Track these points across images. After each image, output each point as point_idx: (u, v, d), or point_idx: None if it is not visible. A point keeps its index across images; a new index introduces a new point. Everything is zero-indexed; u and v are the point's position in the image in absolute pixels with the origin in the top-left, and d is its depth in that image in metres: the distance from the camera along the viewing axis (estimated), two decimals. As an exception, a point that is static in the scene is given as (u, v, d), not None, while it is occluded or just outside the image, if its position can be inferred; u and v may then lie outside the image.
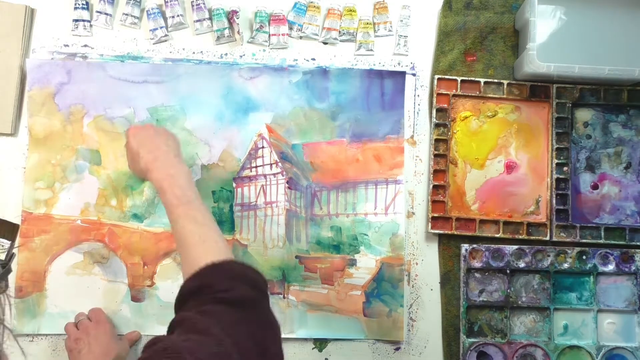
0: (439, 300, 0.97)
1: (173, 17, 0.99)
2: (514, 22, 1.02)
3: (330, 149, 0.99)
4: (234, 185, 0.97)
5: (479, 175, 0.99)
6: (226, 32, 0.99)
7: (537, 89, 1.00)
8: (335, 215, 0.98)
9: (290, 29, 1.01)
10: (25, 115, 0.96)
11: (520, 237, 0.97)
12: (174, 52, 1.00)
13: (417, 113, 1.01)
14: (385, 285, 0.96)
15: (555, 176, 0.98)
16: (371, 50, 1.01)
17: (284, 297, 0.96)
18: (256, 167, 0.98)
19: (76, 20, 0.98)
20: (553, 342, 0.95)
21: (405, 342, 0.97)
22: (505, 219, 0.97)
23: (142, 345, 0.94)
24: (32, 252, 0.94)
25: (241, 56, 1.00)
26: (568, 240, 0.97)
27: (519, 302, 0.96)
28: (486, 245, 0.97)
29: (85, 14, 0.98)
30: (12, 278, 0.93)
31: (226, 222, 0.97)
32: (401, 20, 1.02)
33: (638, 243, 0.97)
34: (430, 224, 0.97)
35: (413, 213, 0.99)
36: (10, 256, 0.94)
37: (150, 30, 0.99)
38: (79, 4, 0.98)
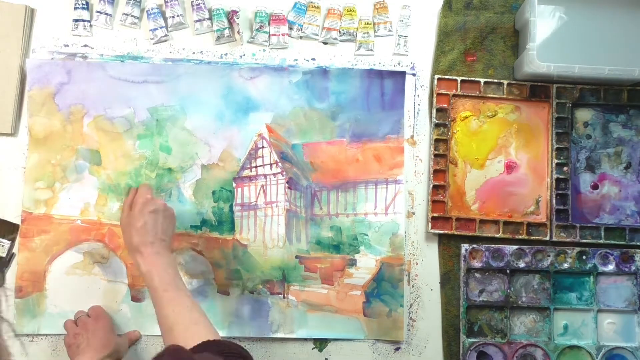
0: (439, 300, 0.97)
1: (173, 17, 0.99)
2: (514, 22, 1.02)
3: (330, 149, 0.99)
4: (234, 185, 0.97)
5: (479, 175, 0.99)
6: (226, 32, 0.99)
7: (537, 89, 1.00)
8: (335, 215, 0.98)
9: (290, 29, 1.01)
10: (25, 115, 0.96)
11: (520, 237, 0.97)
12: (174, 52, 1.00)
13: (417, 113, 1.01)
14: (385, 285, 0.96)
15: (555, 176, 0.98)
16: (371, 50, 1.01)
17: (284, 297, 0.96)
18: (256, 167, 0.98)
19: (76, 20, 0.98)
20: (553, 342, 0.95)
21: (405, 342, 0.97)
22: (505, 219, 0.97)
23: (142, 345, 0.94)
24: (32, 252, 0.94)
25: (241, 56, 1.00)
26: (568, 240, 0.97)
27: (519, 302, 0.96)
28: (486, 245, 0.97)
29: (85, 14, 0.98)
30: (12, 278, 0.93)
31: (226, 222, 0.97)
32: (401, 20, 1.02)
33: (638, 243, 0.98)
34: (430, 224, 0.97)
35: (413, 213, 0.99)
36: (10, 256, 0.94)
37: (150, 30, 0.99)
38: (79, 4, 0.98)
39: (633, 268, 0.97)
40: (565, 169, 0.98)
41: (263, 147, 0.98)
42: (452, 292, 0.97)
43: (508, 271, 0.96)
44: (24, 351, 0.93)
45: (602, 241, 0.97)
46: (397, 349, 0.96)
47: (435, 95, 0.99)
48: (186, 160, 0.97)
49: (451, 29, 1.01)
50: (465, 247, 0.96)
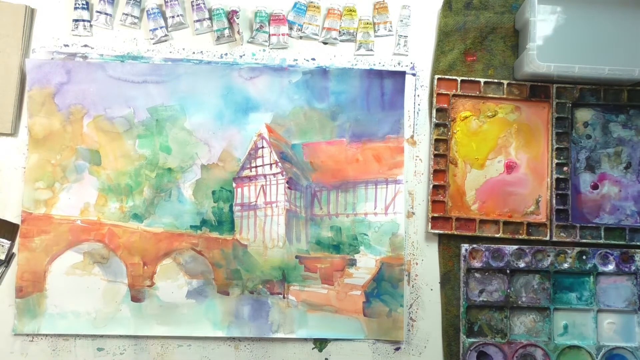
0: (439, 300, 0.98)
1: (173, 17, 0.99)
2: (514, 22, 1.02)
3: (330, 149, 0.99)
4: (234, 185, 0.97)
5: (479, 175, 0.99)
6: (226, 32, 0.99)
7: (537, 89, 1.00)
8: (335, 215, 0.98)
9: (290, 29, 1.01)
10: (25, 115, 0.96)
11: (520, 237, 0.97)
12: (174, 52, 1.00)
13: (417, 113, 1.01)
14: (385, 285, 0.96)
15: (555, 176, 0.98)
16: (371, 50, 1.01)
17: (284, 297, 0.96)
18: (256, 167, 0.98)
19: (76, 20, 0.98)
20: (553, 342, 0.95)
21: (405, 342, 0.97)
22: (505, 219, 0.97)
23: (142, 345, 0.94)
24: (32, 252, 0.94)
25: (241, 56, 1.00)
26: (568, 240, 0.97)
27: (519, 302, 0.96)
28: (486, 245, 0.97)
29: (85, 14, 0.98)
30: (12, 278, 0.94)
31: (226, 222, 0.97)
32: (401, 20, 1.02)
33: (638, 243, 0.98)
34: (430, 224, 0.97)
35: (413, 213, 0.99)
36: (10, 256, 0.94)
37: (150, 30, 0.99)
38: (79, 4, 0.98)
39: (633, 268, 0.97)
40: (565, 169, 0.98)
41: (263, 147, 0.98)
42: (452, 292, 0.97)
43: (508, 271, 0.96)
44: (24, 351, 0.93)
45: (602, 241, 0.97)
46: (397, 349, 0.96)
47: (435, 95, 0.99)
48: (186, 160, 0.97)
49: (451, 29, 1.01)
50: (465, 247, 0.96)
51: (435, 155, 0.98)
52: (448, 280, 0.97)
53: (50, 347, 0.93)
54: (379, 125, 0.99)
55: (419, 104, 1.01)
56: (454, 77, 0.99)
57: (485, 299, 0.96)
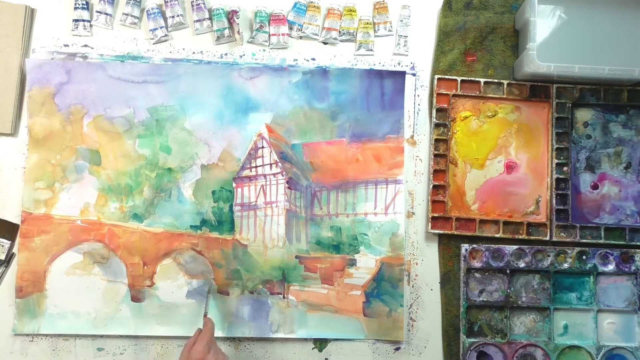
0: (439, 300, 0.97)
1: (173, 17, 0.99)
2: (514, 22, 1.02)
3: (330, 149, 0.99)
4: (234, 185, 0.97)
5: (479, 175, 0.99)
6: (226, 32, 0.99)
7: (537, 89, 1.00)
8: (335, 215, 0.98)
9: (290, 29, 1.01)
10: (25, 115, 0.96)
11: (520, 237, 0.97)
12: (174, 52, 1.00)
13: (417, 113, 1.01)
14: (385, 285, 0.96)
15: (555, 176, 0.98)
16: (371, 50, 1.01)
17: (284, 297, 0.96)
18: (256, 167, 0.98)
19: (76, 20, 0.98)
20: (553, 342, 0.95)
21: (405, 342, 0.97)
22: (505, 219, 0.97)
23: (142, 345, 0.94)
24: (32, 252, 0.94)
25: (241, 56, 1.00)
26: (568, 240, 0.97)
27: (519, 302, 0.96)
28: (486, 245, 0.97)
29: (85, 14, 0.98)
30: (12, 278, 0.94)
31: (226, 222, 0.97)
32: (401, 20, 1.02)
33: (638, 243, 0.98)
34: (430, 224, 0.97)
35: (413, 213, 0.99)
36: (10, 256, 0.94)
37: (150, 30, 0.99)
38: (79, 4, 0.98)
39: (633, 268, 0.97)
40: (565, 169, 0.98)
41: (263, 147, 0.98)
42: (452, 292, 0.97)
43: (508, 271, 0.96)
44: (24, 351, 0.93)
45: (602, 241, 0.97)
46: (397, 349, 0.96)
47: (435, 95, 0.99)
48: (186, 160, 0.97)
49: (451, 29, 1.01)
50: (465, 247, 0.96)
51: (435, 155, 0.98)
52: (448, 280, 0.97)
53: (50, 347, 0.93)
54: (379, 125, 0.99)
55: (419, 104, 1.01)
56: (454, 77, 0.99)
57: (485, 299, 0.96)
